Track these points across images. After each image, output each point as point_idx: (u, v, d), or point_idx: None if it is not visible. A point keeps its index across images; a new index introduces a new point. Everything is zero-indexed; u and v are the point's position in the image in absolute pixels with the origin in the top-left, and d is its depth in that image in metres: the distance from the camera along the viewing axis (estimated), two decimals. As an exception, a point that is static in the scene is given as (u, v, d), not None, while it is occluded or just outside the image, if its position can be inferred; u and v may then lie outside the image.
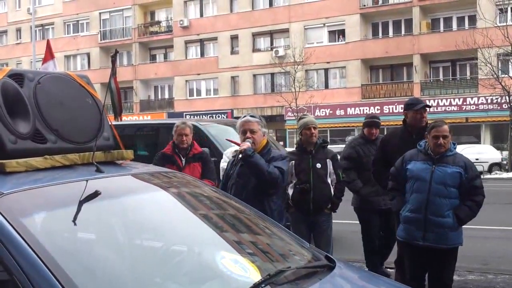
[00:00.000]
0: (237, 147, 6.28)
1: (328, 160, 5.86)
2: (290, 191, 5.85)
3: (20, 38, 49.70)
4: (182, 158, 6.14)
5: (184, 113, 38.60)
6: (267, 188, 4.60)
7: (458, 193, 4.76)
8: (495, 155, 28.89)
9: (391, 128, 8.04)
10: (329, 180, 5.86)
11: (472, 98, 33.21)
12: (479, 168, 23.76)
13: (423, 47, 34.30)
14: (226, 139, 6.45)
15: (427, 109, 5.54)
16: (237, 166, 4.74)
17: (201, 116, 37.42)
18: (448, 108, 33.68)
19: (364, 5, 36.58)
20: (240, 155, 4.57)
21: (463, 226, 4.83)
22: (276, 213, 4.64)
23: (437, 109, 32.51)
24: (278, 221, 4.40)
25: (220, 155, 7.17)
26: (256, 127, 4.71)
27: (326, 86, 38.02)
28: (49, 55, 4.48)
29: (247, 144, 4.57)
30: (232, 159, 4.93)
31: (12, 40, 50.19)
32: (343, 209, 6.39)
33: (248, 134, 4.68)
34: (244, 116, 4.84)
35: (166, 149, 6.26)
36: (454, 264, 4.97)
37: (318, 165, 5.79)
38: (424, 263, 4.98)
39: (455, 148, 4.89)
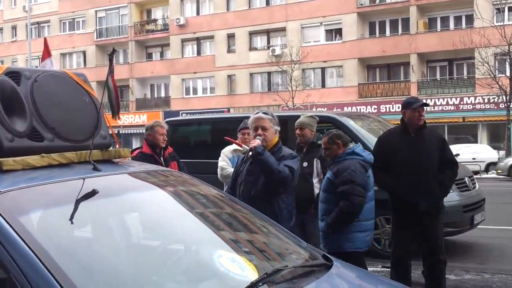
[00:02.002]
0: (235, 146, 6.29)
1: (315, 159, 5.80)
2: None
3: (15, 36, 49.55)
4: (160, 158, 6.18)
5: (181, 112, 38.49)
6: (276, 186, 4.56)
7: (334, 198, 4.94)
8: (492, 155, 28.86)
9: (389, 127, 7.99)
10: (314, 180, 5.82)
11: (469, 97, 33.26)
12: (476, 168, 23.81)
13: (420, 46, 34.33)
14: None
15: (425, 108, 5.55)
16: (247, 163, 4.70)
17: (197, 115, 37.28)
18: (445, 108, 33.75)
19: (361, 4, 36.59)
20: (251, 153, 4.54)
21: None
22: (285, 211, 4.61)
23: (434, 108, 32.53)
24: (286, 220, 4.44)
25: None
26: (268, 124, 4.66)
27: (323, 85, 38.01)
28: (46, 53, 4.45)
29: (257, 142, 4.53)
30: (243, 156, 4.90)
31: (7, 38, 50.03)
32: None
33: (260, 131, 4.63)
34: (257, 113, 4.78)
35: (144, 149, 6.23)
36: None
37: (305, 164, 5.76)
38: None
39: (348, 154, 5.00)
